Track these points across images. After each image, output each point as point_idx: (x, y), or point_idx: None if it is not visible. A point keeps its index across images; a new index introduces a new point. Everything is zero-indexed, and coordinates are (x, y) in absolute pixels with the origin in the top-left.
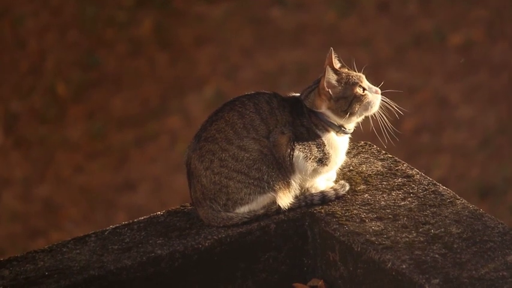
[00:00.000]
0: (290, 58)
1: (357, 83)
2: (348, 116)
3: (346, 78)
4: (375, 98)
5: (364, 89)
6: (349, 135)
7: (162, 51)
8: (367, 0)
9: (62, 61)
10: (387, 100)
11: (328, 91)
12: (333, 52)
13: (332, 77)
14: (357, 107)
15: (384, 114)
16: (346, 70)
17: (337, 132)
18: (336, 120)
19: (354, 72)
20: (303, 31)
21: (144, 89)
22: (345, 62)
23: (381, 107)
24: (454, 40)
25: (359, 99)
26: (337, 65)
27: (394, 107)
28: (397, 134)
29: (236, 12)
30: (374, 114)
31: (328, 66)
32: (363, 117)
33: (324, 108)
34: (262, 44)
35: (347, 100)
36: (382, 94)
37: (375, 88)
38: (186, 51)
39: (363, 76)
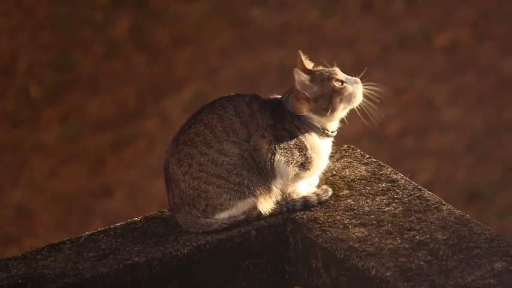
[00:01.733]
0: (271, 59)
1: (332, 77)
2: (329, 112)
3: (320, 76)
4: (356, 89)
5: (342, 82)
6: (332, 139)
7: (139, 52)
8: None
9: (35, 62)
10: (371, 88)
11: (304, 93)
12: (301, 53)
13: (304, 78)
14: (337, 102)
15: (368, 104)
16: (321, 67)
17: (320, 135)
18: (319, 121)
19: (327, 68)
20: (284, 31)
21: (121, 91)
22: (328, 62)
23: (364, 98)
24: (440, 41)
25: (339, 92)
26: (309, 65)
27: (376, 94)
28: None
29: (215, 12)
30: (359, 105)
31: (295, 68)
32: (347, 111)
33: (305, 112)
34: (242, 45)
35: (326, 97)
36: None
37: (353, 79)
38: (164, 52)
39: (337, 69)
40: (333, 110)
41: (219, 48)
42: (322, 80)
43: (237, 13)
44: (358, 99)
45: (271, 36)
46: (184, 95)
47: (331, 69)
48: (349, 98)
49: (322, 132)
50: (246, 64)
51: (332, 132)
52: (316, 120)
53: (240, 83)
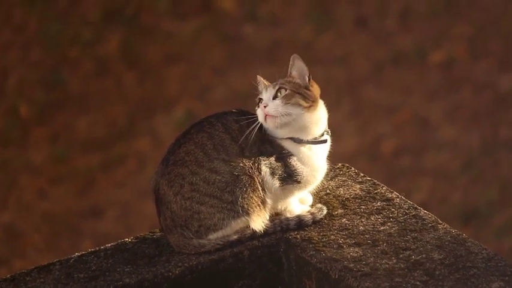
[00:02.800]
0: (264, 76)
1: (259, 92)
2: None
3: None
4: (259, 115)
5: (260, 100)
6: (322, 148)
7: (130, 70)
8: (344, 15)
9: (24, 80)
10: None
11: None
12: (291, 60)
13: (262, 82)
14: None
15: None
16: (284, 81)
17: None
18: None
19: (267, 86)
20: (277, 48)
21: (111, 110)
22: (321, 80)
23: None
24: (435, 57)
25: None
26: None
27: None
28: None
29: (207, 29)
30: None
31: (258, 77)
32: (279, 124)
33: None
34: (234, 63)
35: None
36: None
37: (263, 104)
38: (155, 70)
39: (272, 91)
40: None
41: (211, 65)
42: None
43: (228, 30)
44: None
45: (263, 54)
46: (176, 114)
47: (270, 86)
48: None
49: (293, 139)
50: (238, 82)
51: (303, 139)
52: None
53: (233, 101)
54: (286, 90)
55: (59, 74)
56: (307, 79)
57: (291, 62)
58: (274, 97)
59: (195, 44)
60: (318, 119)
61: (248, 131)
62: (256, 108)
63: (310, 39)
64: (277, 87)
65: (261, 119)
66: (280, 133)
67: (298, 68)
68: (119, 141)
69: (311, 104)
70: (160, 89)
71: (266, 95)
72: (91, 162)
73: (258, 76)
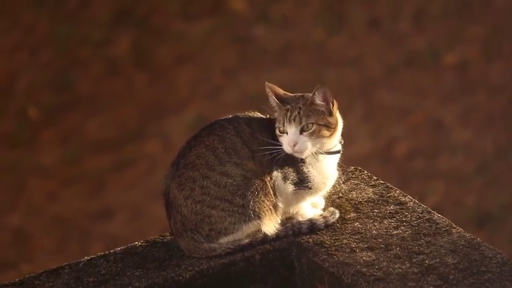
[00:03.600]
0: (275, 78)
1: (281, 124)
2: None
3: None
4: (285, 147)
5: (284, 132)
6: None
7: (140, 72)
8: (357, 17)
9: (33, 82)
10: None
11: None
12: (317, 90)
13: (270, 97)
14: (278, 136)
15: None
16: (307, 109)
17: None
18: None
19: (295, 115)
20: (288, 50)
21: (121, 112)
22: (333, 82)
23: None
24: (448, 59)
25: (279, 132)
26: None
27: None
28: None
29: (218, 30)
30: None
31: (267, 85)
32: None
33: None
34: (245, 64)
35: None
36: None
37: (290, 141)
38: (166, 71)
39: (298, 125)
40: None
41: (222, 67)
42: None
43: (240, 31)
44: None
45: (275, 55)
46: (187, 115)
47: (295, 116)
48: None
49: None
50: (249, 84)
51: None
52: None
53: (244, 102)
54: (313, 125)
55: (68, 75)
56: (331, 105)
57: (316, 92)
58: (301, 131)
59: (206, 45)
60: (337, 137)
61: (271, 157)
62: (278, 133)
63: (322, 41)
64: (303, 123)
65: (288, 151)
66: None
67: (323, 98)
68: (129, 143)
69: (333, 131)
70: (171, 90)
71: (291, 129)
72: (101, 164)
73: (267, 84)
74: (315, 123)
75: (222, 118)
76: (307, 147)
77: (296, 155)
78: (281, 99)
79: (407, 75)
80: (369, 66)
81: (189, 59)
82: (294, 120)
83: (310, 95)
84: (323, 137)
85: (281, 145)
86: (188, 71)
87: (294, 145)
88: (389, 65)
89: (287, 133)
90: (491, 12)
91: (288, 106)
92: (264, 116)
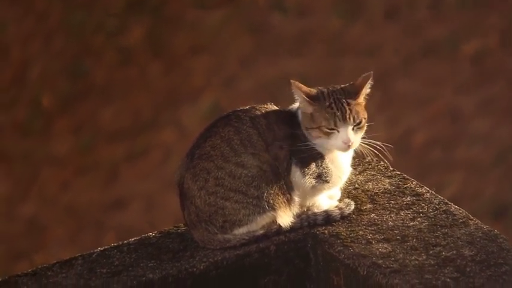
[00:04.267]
0: (291, 68)
1: (331, 122)
2: (307, 134)
3: (325, 110)
4: (338, 145)
5: (334, 130)
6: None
7: (155, 60)
8: (375, 6)
9: (47, 70)
10: (369, 145)
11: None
12: (370, 77)
13: (299, 96)
14: (315, 135)
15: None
16: (353, 103)
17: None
18: (303, 129)
19: (344, 112)
20: (305, 39)
21: (136, 101)
22: (349, 72)
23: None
24: (467, 49)
25: (322, 132)
26: (366, 90)
27: (373, 152)
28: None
29: (234, 19)
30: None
31: (294, 83)
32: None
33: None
34: (261, 53)
35: (311, 123)
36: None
37: (347, 139)
38: (180, 60)
39: (352, 123)
40: (310, 136)
41: (238, 56)
42: (322, 110)
43: (256, 20)
44: (334, 150)
45: (291, 44)
46: (201, 105)
47: (347, 116)
48: (327, 144)
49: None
50: (265, 73)
51: None
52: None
53: (259, 92)
54: (362, 121)
55: (82, 64)
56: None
57: (368, 80)
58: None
59: (221, 34)
60: None
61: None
62: (326, 131)
63: (338, 30)
64: (358, 120)
65: (341, 149)
66: (318, 144)
67: (368, 88)
68: (144, 133)
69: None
70: (185, 79)
71: (346, 127)
72: (115, 154)
73: (293, 83)
74: (363, 117)
75: (238, 109)
76: (358, 143)
77: (346, 151)
78: (310, 96)
79: (425, 64)
80: (386, 56)
81: (204, 47)
82: (348, 118)
83: (347, 86)
84: (363, 130)
85: (301, 139)
86: (203, 60)
87: (350, 144)
88: (406, 55)
89: (338, 131)
90: (510, 0)
91: (327, 102)
92: (280, 108)
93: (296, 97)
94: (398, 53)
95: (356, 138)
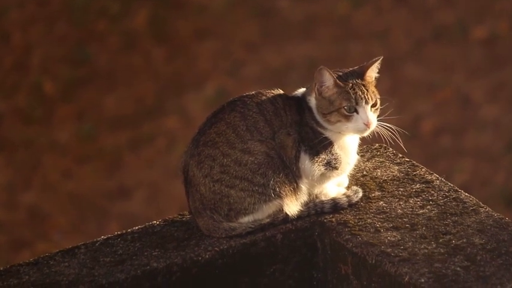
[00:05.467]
0: (299, 53)
1: (352, 102)
2: (325, 120)
3: (346, 91)
4: (358, 127)
5: (355, 111)
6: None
7: (159, 46)
8: None
9: (49, 56)
10: (384, 128)
11: (318, 83)
12: (378, 61)
13: (328, 80)
14: (335, 120)
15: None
16: (368, 84)
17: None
18: (319, 117)
19: (363, 92)
20: (312, 23)
21: (139, 87)
22: (358, 56)
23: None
24: (477, 33)
25: (342, 115)
26: (372, 71)
27: (388, 134)
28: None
29: (239, 3)
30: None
31: (325, 69)
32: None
33: (313, 96)
34: (268, 38)
35: (330, 107)
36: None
37: (367, 119)
38: (185, 45)
39: (371, 103)
40: (328, 122)
41: (243, 41)
42: (342, 93)
43: (262, 4)
44: (354, 135)
45: (298, 28)
46: (207, 91)
47: (365, 97)
48: (345, 128)
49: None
50: (271, 58)
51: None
52: (317, 116)
53: (266, 78)
54: (377, 103)
55: (85, 49)
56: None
57: (375, 64)
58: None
59: (227, 18)
60: None
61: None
62: (344, 113)
63: (347, 14)
64: (374, 100)
65: (361, 131)
66: (336, 128)
67: (376, 71)
68: (147, 120)
69: None
70: (190, 65)
71: (366, 107)
72: (118, 141)
73: (323, 67)
74: (378, 98)
75: (244, 94)
76: (375, 124)
77: (364, 134)
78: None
79: (435, 49)
80: (395, 40)
81: (209, 32)
82: (367, 97)
83: (356, 69)
84: (378, 111)
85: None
86: (208, 45)
87: (369, 124)
88: (416, 39)
89: (357, 112)
90: None
91: (350, 84)
92: (288, 94)
93: (320, 82)
94: (407, 37)
95: (375, 120)
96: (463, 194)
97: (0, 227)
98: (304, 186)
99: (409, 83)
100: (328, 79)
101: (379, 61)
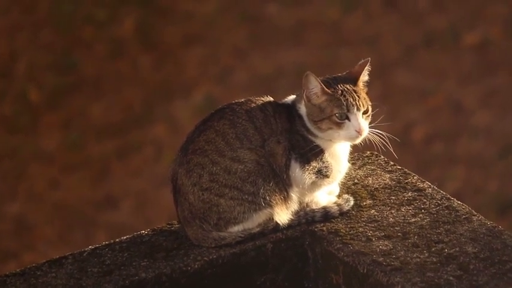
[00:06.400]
0: (288, 59)
1: (344, 109)
2: (315, 128)
3: (337, 98)
4: (350, 134)
5: (347, 118)
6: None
7: (146, 53)
8: None
9: (34, 64)
10: (376, 135)
11: (307, 90)
12: (367, 64)
13: (315, 86)
14: (326, 127)
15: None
16: (359, 91)
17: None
18: (309, 124)
19: (354, 98)
20: (302, 29)
21: (126, 95)
22: (348, 62)
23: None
24: (469, 39)
25: (333, 122)
26: (364, 76)
27: (380, 141)
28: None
29: (228, 9)
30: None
31: (311, 74)
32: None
33: (303, 103)
34: (257, 44)
35: (321, 114)
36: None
37: (359, 127)
38: (173, 52)
39: (363, 109)
40: (319, 129)
41: (232, 47)
42: (333, 100)
43: (250, 10)
44: (345, 143)
45: (288, 34)
46: (195, 98)
47: (356, 104)
48: (337, 136)
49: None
50: (260, 64)
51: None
52: (308, 124)
53: (255, 84)
54: (368, 109)
55: (71, 56)
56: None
57: (365, 67)
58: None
59: (215, 24)
60: None
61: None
62: (336, 121)
63: (337, 20)
64: (366, 106)
65: (352, 138)
66: (327, 136)
67: (367, 74)
68: (135, 128)
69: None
70: (178, 72)
71: (358, 114)
72: (105, 150)
73: (309, 73)
74: (369, 104)
75: (233, 102)
76: (367, 132)
77: (355, 141)
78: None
79: (426, 55)
80: (385, 46)
81: (197, 39)
82: (358, 104)
83: (345, 75)
84: (370, 118)
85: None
86: (196, 51)
87: (360, 132)
88: (407, 45)
89: (349, 119)
90: None
91: (340, 90)
92: (278, 101)
93: (308, 88)
94: (398, 43)
95: (367, 127)
96: (456, 202)
97: None
98: (294, 195)
99: (400, 89)
100: (315, 85)
101: (368, 64)
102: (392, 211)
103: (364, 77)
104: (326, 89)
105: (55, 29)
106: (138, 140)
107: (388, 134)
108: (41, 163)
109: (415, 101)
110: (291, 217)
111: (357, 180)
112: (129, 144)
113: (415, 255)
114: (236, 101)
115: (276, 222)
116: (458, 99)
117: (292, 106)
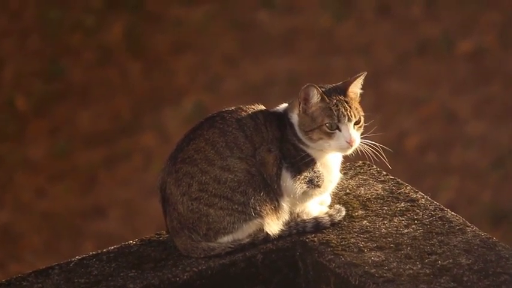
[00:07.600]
0: (279, 67)
1: (334, 119)
2: (306, 138)
3: (329, 107)
4: (340, 145)
5: (337, 128)
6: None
7: (135, 60)
8: (366, 2)
9: (21, 71)
10: (367, 145)
11: (302, 99)
12: (361, 77)
13: (316, 92)
14: (316, 137)
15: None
16: (351, 101)
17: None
18: (300, 134)
19: (345, 109)
20: (293, 36)
21: (115, 103)
22: (341, 71)
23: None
24: (463, 47)
25: (323, 132)
26: (355, 87)
27: (371, 152)
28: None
29: (218, 16)
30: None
31: (313, 86)
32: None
33: (295, 112)
34: (248, 52)
35: (312, 124)
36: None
37: (350, 137)
38: (162, 59)
39: (354, 120)
40: (310, 139)
41: (222, 55)
42: (325, 110)
43: (241, 17)
44: (336, 153)
45: (279, 42)
46: (184, 106)
47: (348, 115)
48: (328, 146)
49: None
50: (251, 72)
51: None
52: (299, 133)
53: (245, 92)
54: (360, 120)
55: (58, 63)
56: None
57: (358, 80)
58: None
59: (205, 31)
60: None
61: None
62: (326, 131)
63: (329, 27)
64: (358, 117)
65: (343, 148)
66: (318, 146)
67: (359, 86)
68: (123, 136)
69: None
70: (167, 80)
71: (349, 124)
72: (93, 159)
73: (313, 86)
74: (361, 115)
75: (224, 110)
76: (358, 142)
77: (346, 152)
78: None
79: (419, 63)
80: (378, 54)
81: (187, 46)
82: (350, 114)
83: (339, 85)
84: (362, 129)
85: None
86: (186, 59)
87: (351, 142)
88: (400, 53)
89: (340, 130)
90: None
91: (334, 100)
92: (269, 109)
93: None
94: (391, 51)
95: (358, 138)
96: (449, 213)
97: None
98: (285, 205)
99: (393, 98)
100: (316, 97)
101: (362, 76)
102: (385, 222)
103: (356, 87)
104: (326, 99)
105: (42, 36)
106: (127, 149)
107: (381, 145)
108: (27, 172)
109: (408, 110)
110: (282, 227)
111: (349, 190)
112: (117, 152)
113: (407, 267)
114: (226, 109)
115: (267, 232)
116: (452, 108)
117: (284, 114)
